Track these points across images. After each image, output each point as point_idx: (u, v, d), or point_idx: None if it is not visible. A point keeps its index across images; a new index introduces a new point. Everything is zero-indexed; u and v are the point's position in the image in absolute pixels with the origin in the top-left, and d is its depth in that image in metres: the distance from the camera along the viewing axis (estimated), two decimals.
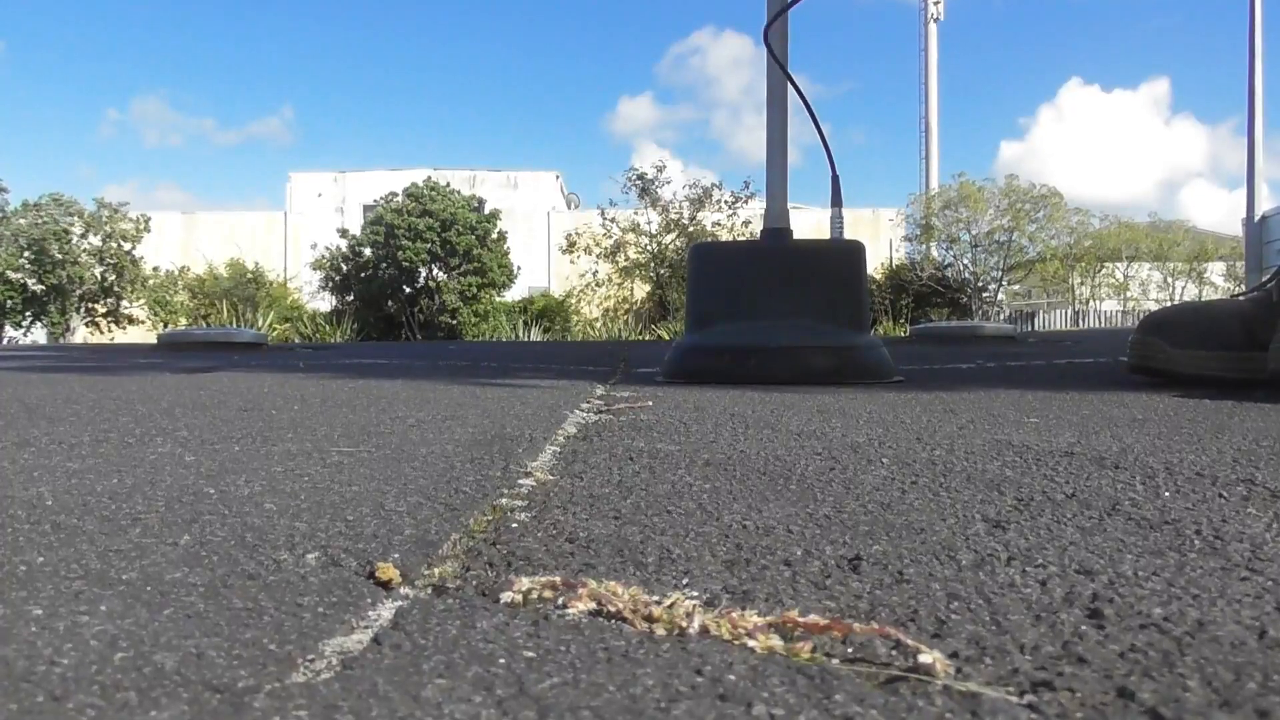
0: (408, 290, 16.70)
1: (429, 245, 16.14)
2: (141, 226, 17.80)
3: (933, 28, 29.62)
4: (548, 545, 0.70)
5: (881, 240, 21.40)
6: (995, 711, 0.40)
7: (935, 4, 29.44)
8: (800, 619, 0.50)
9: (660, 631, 0.50)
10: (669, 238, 17.21)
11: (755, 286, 2.50)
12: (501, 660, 0.46)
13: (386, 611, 0.54)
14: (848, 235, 2.62)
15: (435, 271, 16.59)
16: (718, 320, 2.50)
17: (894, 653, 0.47)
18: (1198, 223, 22.78)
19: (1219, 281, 19.86)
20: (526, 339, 13.62)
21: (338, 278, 17.09)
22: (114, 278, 17.71)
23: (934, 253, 18.63)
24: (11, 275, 16.75)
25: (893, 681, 0.43)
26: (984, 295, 17.62)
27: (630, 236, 17.39)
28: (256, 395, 2.01)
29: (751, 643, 0.48)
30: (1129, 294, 20.25)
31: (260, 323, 14.08)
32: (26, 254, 16.94)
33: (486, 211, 16.95)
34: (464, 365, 3.54)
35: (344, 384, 2.42)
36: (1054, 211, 17.63)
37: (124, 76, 63.47)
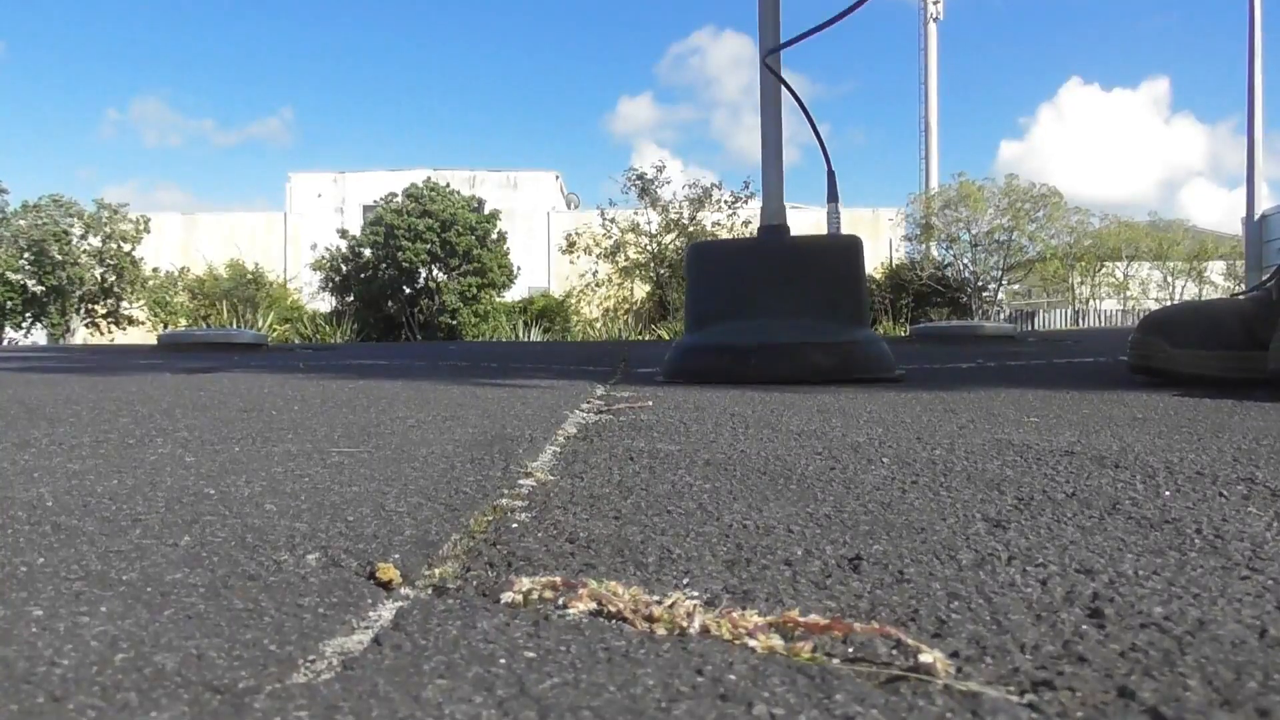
0: (408, 291, 16.70)
1: (429, 246, 16.14)
2: (141, 227, 17.79)
3: (932, 28, 29.61)
4: (548, 545, 0.70)
5: (881, 240, 21.40)
6: (996, 711, 0.40)
7: (935, 4, 29.42)
8: (801, 619, 0.50)
9: (661, 631, 0.50)
10: (669, 238, 17.21)
11: (754, 284, 2.50)
12: (502, 660, 0.46)
13: (387, 612, 0.54)
14: (846, 234, 2.62)
15: (435, 272, 16.59)
16: (717, 319, 2.50)
17: (894, 652, 0.47)
18: (1198, 222, 22.87)
19: (1219, 281, 19.88)
20: (526, 339, 13.63)
21: (338, 278, 17.10)
22: (114, 279, 17.69)
23: (934, 252, 18.64)
24: (11, 276, 16.73)
25: (893, 681, 0.43)
26: (984, 295, 17.62)
27: (630, 236, 17.39)
28: (257, 396, 2.01)
29: (752, 642, 0.48)
30: (1129, 293, 20.26)
31: (260, 323, 14.10)
32: (26, 255, 16.93)
33: (486, 212, 16.95)
34: (464, 365, 3.54)
35: (344, 384, 2.42)
36: (1054, 211, 17.63)
37: (124, 77, 63.47)
